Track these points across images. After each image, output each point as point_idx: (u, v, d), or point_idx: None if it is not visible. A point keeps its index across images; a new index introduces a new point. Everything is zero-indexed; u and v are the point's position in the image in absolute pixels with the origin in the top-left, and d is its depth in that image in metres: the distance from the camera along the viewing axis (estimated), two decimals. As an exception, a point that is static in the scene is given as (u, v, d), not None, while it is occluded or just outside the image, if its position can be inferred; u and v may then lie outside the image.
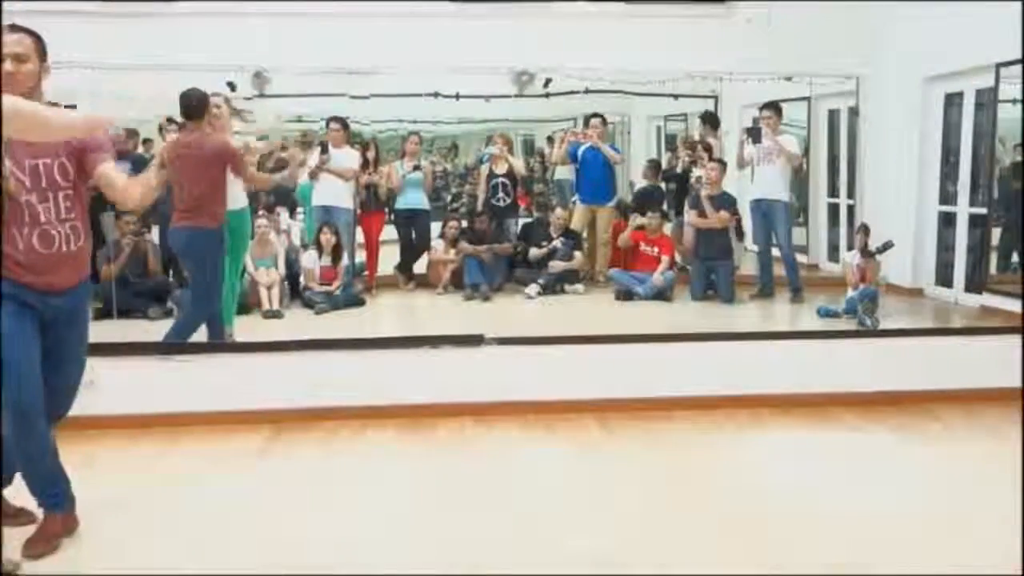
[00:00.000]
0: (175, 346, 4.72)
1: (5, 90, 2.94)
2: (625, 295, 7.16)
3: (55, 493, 3.20)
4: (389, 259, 7.81)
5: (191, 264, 5.11)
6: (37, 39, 3.05)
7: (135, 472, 3.19)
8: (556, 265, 7.55)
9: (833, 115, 8.42)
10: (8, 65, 2.93)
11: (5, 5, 4.81)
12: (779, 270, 7.14)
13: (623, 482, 3.95)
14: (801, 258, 7.56)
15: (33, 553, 3.10)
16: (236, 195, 5.23)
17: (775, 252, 7.14)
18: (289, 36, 6.55)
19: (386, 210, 7.92)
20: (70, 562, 3.11)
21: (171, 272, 6.77)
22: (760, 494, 3.78)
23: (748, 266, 7.65)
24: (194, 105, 4.96)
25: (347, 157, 7.22)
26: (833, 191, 8.48)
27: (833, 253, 8.44)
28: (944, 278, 7.24)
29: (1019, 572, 3.04)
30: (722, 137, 8.02)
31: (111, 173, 3.09)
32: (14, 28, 3.00)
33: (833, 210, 8.50)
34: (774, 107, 7.09)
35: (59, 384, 3.13)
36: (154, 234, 6.76)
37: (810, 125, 8.44)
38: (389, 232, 7.90)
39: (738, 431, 4.69)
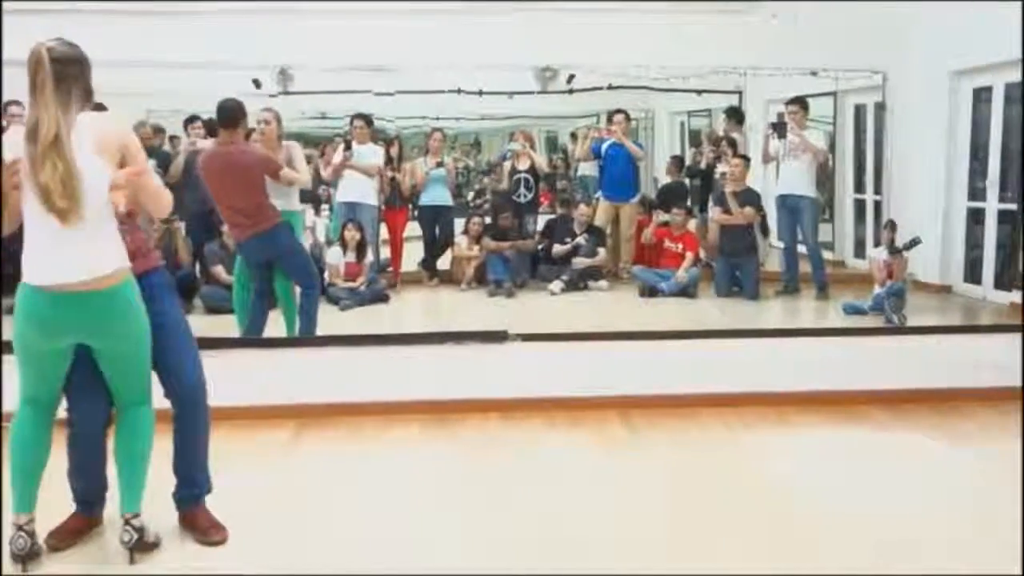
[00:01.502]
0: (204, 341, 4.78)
1: None
2: (649, 291, 7.14)
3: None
4: (413, 255, 7.83)
5: (284, 261, 5.23)
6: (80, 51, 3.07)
7: (160, 466, 3.22)
8: (580, 261, 7.54)
9: (859, 110, 8.34)
10: None
11: (6, 4, 4.88)
12: (805, 267, 7.09)
13: (647, 479, 3.94)
14: (827, 254, 7.51)
15: (220, 539, 3.22)
16: (291, 197, 5.32)
17: (801, 248, 7.09)
18: (314, 33, 6.58)
19: (410, 206, 7.95)
20: (97, 555, 3.15)
21: (198, 267, 6.83)
22: (786, 493, 3.75)
23: (773, 262, 7.61)
24: (229, 115, 4.97)
25: (371, 154, 7.25)
26: (859, 187, 8.41)
27: (859, 249, 8.37)
28: (973, 275, 7.15)
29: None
30: (747, 133, 7.97)
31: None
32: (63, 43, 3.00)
33: (859, 206, 8.42)
34: (800, 102, 7.04)
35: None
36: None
37: (836, 120, 8.37)
38: (413, 228, 7.92)
39: (763, 429, 4.66)
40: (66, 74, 2.76)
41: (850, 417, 4.78)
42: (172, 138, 7.64)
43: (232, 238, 5.23)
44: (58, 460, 3.14)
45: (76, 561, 3.11)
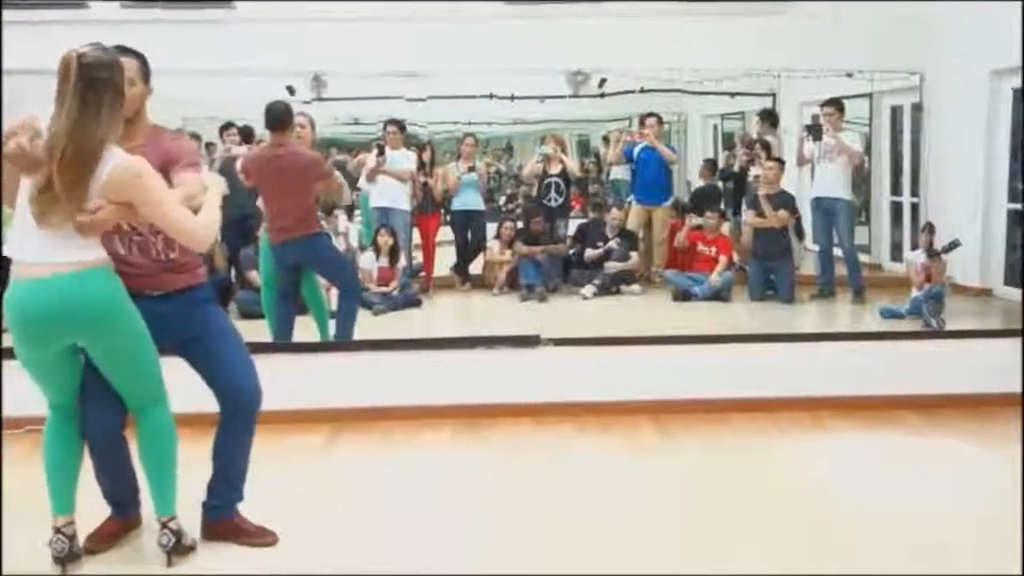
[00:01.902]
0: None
1: None
2: (682, 296, 7.10)
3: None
4: (445, 260, 7.86)
5: (324, 267, 5.33)
6: (142, 61, 3.10)
7: (195, 470, 3.26)
8: (612, 266, 7.52)
9: (896, 111, 8.22)
10: None
11: (43, 15, 4.97)
12: (840, 270, 7.01)
13: (680, 484, 3.92)
14: (863, 257, 7.41)
15: (269, 540, 3.27)
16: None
17: (836, 252, 7.01)
18: (346, 40, 6.62)
19: (442, 211, 7.97)
20: (134, 558, 3.19)
21: (233, 273, 6.90)
22: (821, 498, 3.72)
23: (808, 266, 7.53)
24: (279, 117, 5.04)
25: (404, 159, 7.30)
26: (896, 189, 8.28)
27: (896, 252, 8.24)
28: (1014, 278, 7.02)
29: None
30: (781, 135, 7.90)
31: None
32: (122, 51, 3.02)
33: (896, 208, 8.30)
34: (836, 104, 6.97)
35: None
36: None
37: (872, 122, 8.26)
38: (445, 233, 7.94)
39: (798, 434, 4.62)
40: (96, 79, 2.75)
41: (886, 422, 4.72)
42: (208, 145, 7.73)
43: (269, 239, 5.26)
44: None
45: (114, 563, 3.16)
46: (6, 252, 2.87)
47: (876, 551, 3.19)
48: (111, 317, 2.89)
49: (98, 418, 3.11)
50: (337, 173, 5.59)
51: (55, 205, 2.73)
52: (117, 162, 2.78)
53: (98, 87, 2.75)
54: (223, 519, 3.30)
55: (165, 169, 3.04)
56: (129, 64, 3.01)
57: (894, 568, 3.05)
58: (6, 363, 4.42)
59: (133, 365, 3.01)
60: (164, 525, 3.07)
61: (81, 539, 3.14)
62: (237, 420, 3.26)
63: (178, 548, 3.09)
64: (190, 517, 3.23)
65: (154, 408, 3.10)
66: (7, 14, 6.27)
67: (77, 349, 2.97)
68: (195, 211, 2.95)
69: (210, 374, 3.21)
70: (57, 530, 3.01)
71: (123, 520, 3.31)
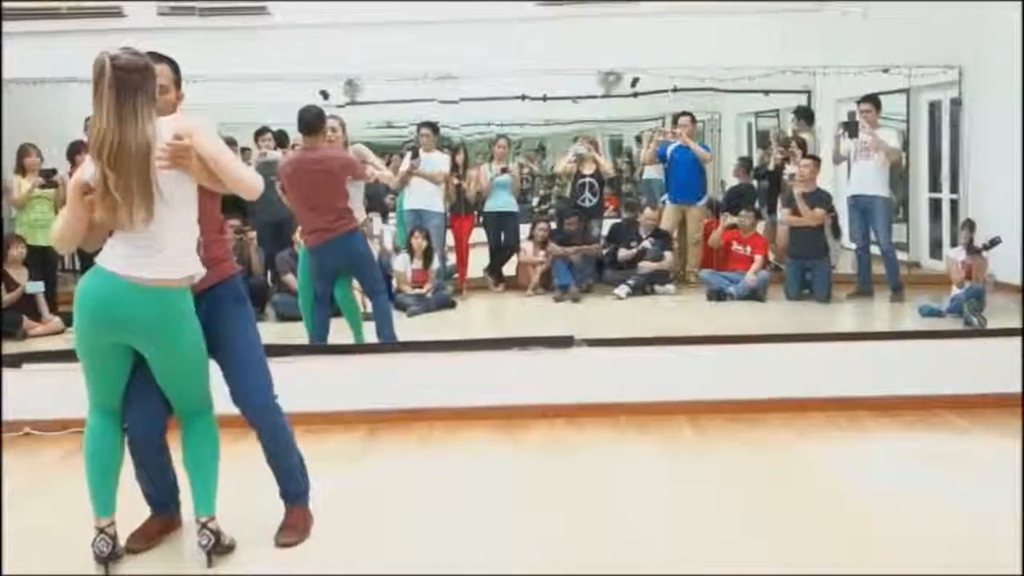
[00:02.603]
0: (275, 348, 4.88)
1: None
2: (717, 295, 7.06)
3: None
4: (479, 261, 7.87)
5: (356, 267, 5.35)
6: (174, 68, 3.15)
7: (236, 472, 3.29)
8: (646, 266, 7.49)
9: (934, 107, 8.11)
10: None
11: (81, 24, 5.04)
12: (878, 268, 6.93)
13: (717, 485, 3.89)
14: (901, 255, 7.32)
15: (286, 542, 3.28)
16: (357, 209, 5.44)
17: (874, 250, 6.93)
18: (379, 44, 6.66)
19: (475, 213, 7.99)
20: (174, 558, 3.23)
21: (269, 276, 6.98)
22: (859, 499, 3.67)
23: (845, 265, 7.45)
24: (311, 121, 5.11)
25: (437, 161, 7.33)
26: (935, 186, 8.17)
27: (935, 250, 8.13)
28: (1056, 275, 6.89)
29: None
30: (816, 133, 7.82)
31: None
32: (156, 58, 3.06)
33: (935, 205, 8.18)
34: (872, 100, 6.89)
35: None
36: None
37: (909, 118, 8.15)
38: (478, 235, 7.96)
39: (836, 434, 4.56)
40: (128, 82, 2.78)
41: (927, 422, 4.65)
42: (244, 150, 7.82)
43: (306, 244, 5.31)
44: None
45: (154, 563, 3.20)
46: (101, 263, 2.97)
47: (917, 553, 3.14)
48: (175, 333, 2.99)
49: (142, 420, 3.16)
50: (371, 169, 5.61)
51: (117, 207, 2.81)
52: (173, 123, 2.89)
53: (130, 88, 2.80)
54: (292, 507, 3.37)
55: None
56: (161, 70, 3.05)
57: (935, 571, 3.00)
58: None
59: (188, 376, 3.09)
60: (204, 525, 3.11)
61: (122, 539, 3.18)
62: (263, 427, 3.30)
63: (217, 548, 3.13)
64: (228, 517, 3.26)
65: (201, 414, 3.17)
66: (46, 24, 6.41)
67: (132, 351, 3.03)
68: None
69: (228, 379, 3.24)
70: (100, 531, 3.06)
71: (163, 520, 3.36)
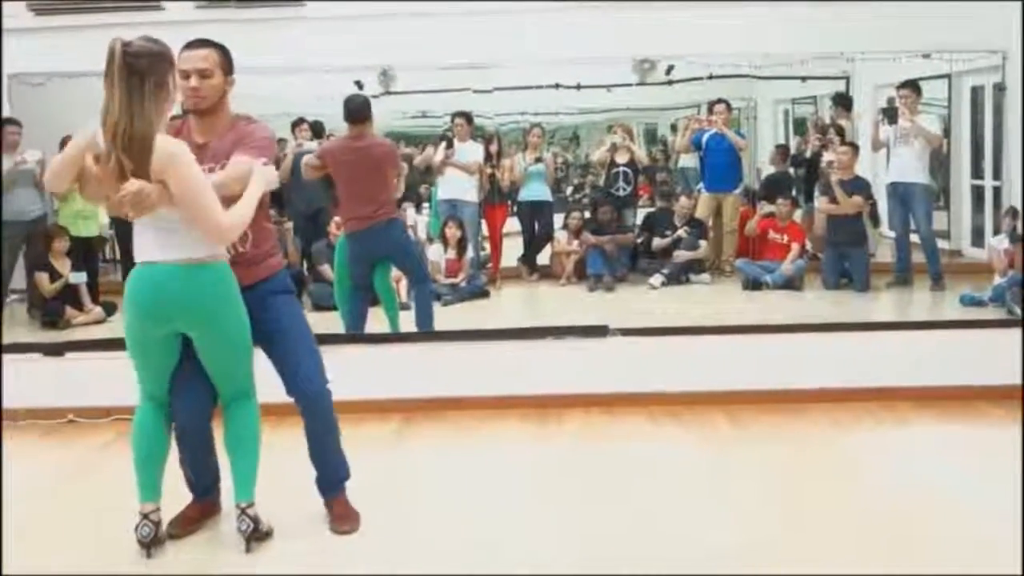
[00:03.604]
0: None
1: (189, 105, 3.08)
2: (753, 284, 7.00)
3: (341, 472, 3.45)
4: (513, 251, 7.88)
5: (397, 255, 5.42)
6: (222, 52, 3.12)
7: (274, 459, 3.33)
8: (681, 255, 7.44)
9: (976, 92, 7.95)
10: (193, 81, 3.03)
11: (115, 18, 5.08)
12: (918, 257, 6.83)
13: (753, 477, 3.86)
14: (942, 243, 7.20)
15: (347, 529, 3.32)
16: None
17: (913, 238, 6.83)
18: (413, 34, 6.68)
19: (509, 202, 7.99)
20: (214, 542, 3.28)
21: (305, 265, 7.04)
22: (899, 492, 3.63)
23: (884, 253, 7.35)
24: (358, 109, 5.17)
25: (472, 151, 7.34)
26: (977, 172, 8.02)
27: (977, 238, 7.98)
28: (1102, 263, 6.74)
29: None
30: (855, 119, 7.71)
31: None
32: (201, 43, 3.08)
33: (977, 192, 8.03)
34: (912, 86, 6.78)
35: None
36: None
37: (951, 103, 8.00)
38: (512, 224, 7.96)
39: (875, 426, 4.52)
40: (137, 67, 2.79)
41: (968, 413, 4.58)
42: (280, 140, 7.88)
43: (347, 230, 5.35)
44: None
45: (195, 548, 3.25)
46: (137, 258, 3.02)
47: (957, 548, 3.10)
48: (221, 310, 3.03)
49: (189, 409, 3.21)
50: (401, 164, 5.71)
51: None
52: (159, 144, 2.84)
53: (139, 74, 2.81)
54: (325, 498, 3.42)
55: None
56: (206, 55, 3.06)
57: (975, 566, 2.96)
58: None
59: (233, 357, 3.14)
60: (243, 511, 3.15)
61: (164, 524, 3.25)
62: (313, 416, 3.33)
63: (256, 533, 3.17)
64: (267, 504, 3.30)
65: (244, 399, 3.22)
66: (85, 18, 6.50)
67: (179, 337, 3.08)
68: (235, 197, 2.97)
69: (280, 370, 3.28)
70: (144, 516, 3.12)
71: (204, 506, 3.41)
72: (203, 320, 3.02)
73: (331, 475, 3.43)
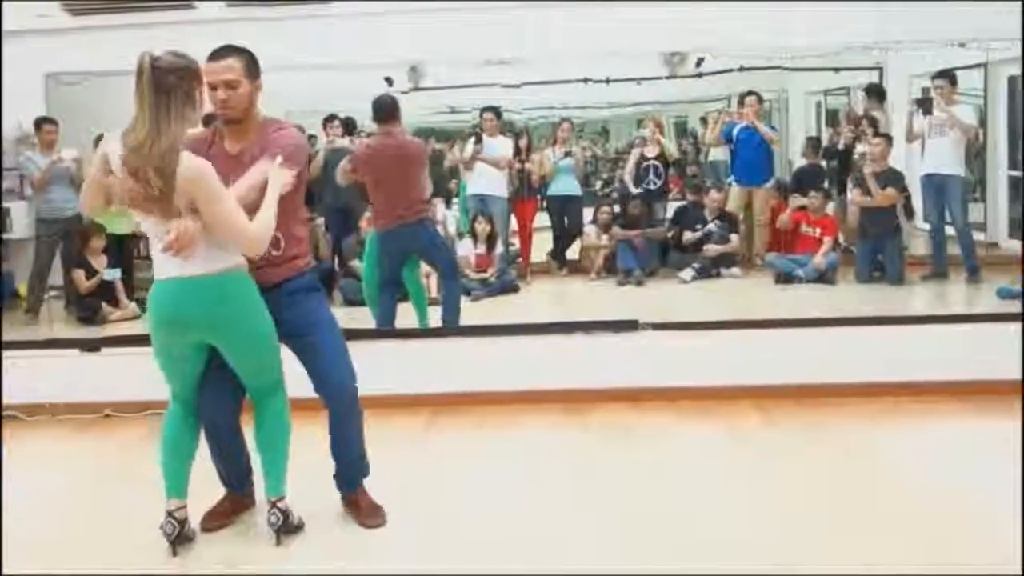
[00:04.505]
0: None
1: (219, 116, 3.11)
2: (785, 278, 6.94)
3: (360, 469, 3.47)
4: (542, 246, 7.87)
5: (432, 250, 5.49)
6: (247, 59, 3.11)
7: (304, 454, 3.36)
8: (711, 249, 7.40)
9: (1013, 81, 7.81)
10: (221, 93, 3.05)
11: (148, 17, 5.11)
12: (953, 249, 6.73)
13: (784, 472, 3.84)
14: (978, 236, 7.09)
15: (377, 523, 3.36)
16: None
17: (949, 230, 6.73)
18: (441, 29, 6.68)
19: (539, 197, 7.99)
20: (247, 535, 3.32)
21: (336, 261, 7.08)
22: (931, 488, 3.58)
23: (918, 246, 7.25)
24: (387, 108, 5.21)
25: (500, 146, 7.34)
26: (1014, 163, 7.89)
27: (1014, 230, 7.84)
28: None
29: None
30: (888, 110, 7.61)
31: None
32: (225, 52, 3.08)
33: (1014, 184, 7.90)
34: (948, 75, 6.69)
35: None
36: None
37: (987, 93, 7.87)
38: (542, 219, 7.96)
39: (908, 420, 4.47)
40: (164, 83, 2.82)
41: (1004, 409, 4.50)
42: (310, 137, 7.93)
43: (378, 228, 5.38)
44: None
45: (226, 541, 3.29)
46: (156, 276, 3.07)
47: (992, 547, 3.05)
48: (242, 318, 3.07)
49: (219, 407, 3.26)
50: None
51: (158, 202, 2.87)
52: (183, 163, 2.86)
53: (167, 91, 2.84)
54: (344, 495, 3.45)
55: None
56: (229, 65, 3.06)
57: (1012, 566, 2.91)
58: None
59: (259, 359, 3.18)
60: (273, 505, 3.19)
61: (196, 518, 3.29)
62: (339, 412, 3.36)
63: (286, 527, 3.21)
64: (297, 497, 3.34)
65: (273, 396, 3.26)
66: (119, 18, 6.58)
67: (204, 346, 3.13)
68: (256, 205, 2.99)
69: (307, 367, 3.31)
70: (169, 514, 3.16)
71: (237, 500, 3.46)
72: (225, 330, 3.07)
73: (353, 472, 3.45)
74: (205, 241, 2.94)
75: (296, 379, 3.32)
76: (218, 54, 3.09)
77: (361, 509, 3.41)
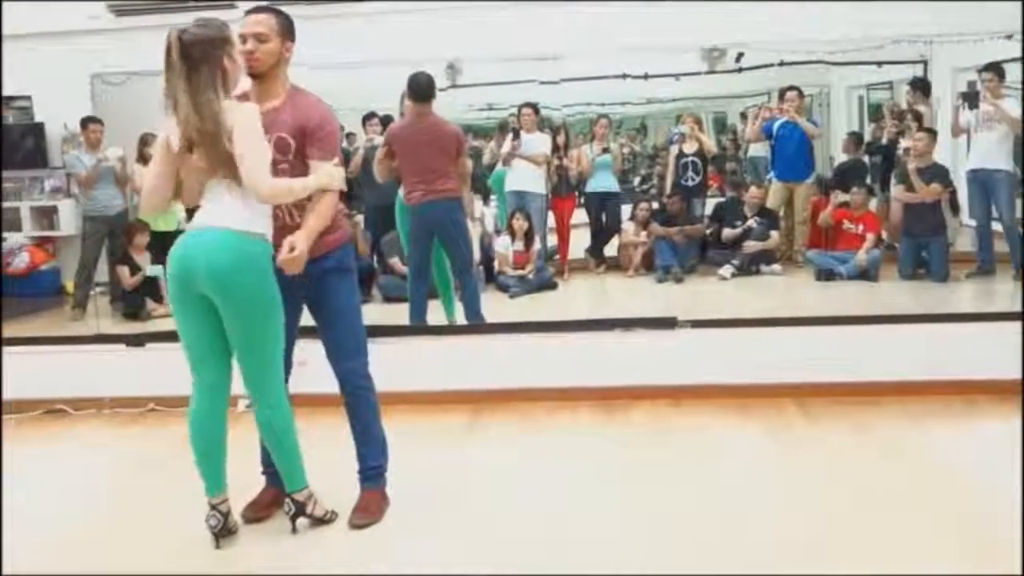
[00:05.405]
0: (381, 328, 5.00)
1: (246, 69, 3.12)
2: (826, 275, 6.86)
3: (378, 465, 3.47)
4: (580, 242, 7.86)
5: (453, 238, 5.39)
6: (282, 18, 3.15)
7: (340, 450, 3.40)
8: (751, 245, 7.34)
9: (1062, 74, 7.65)
10: (249, 44, 3.09)
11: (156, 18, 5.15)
12: (1000, 246, 6.61)
13: (825, 470, 3.80)
14: (1026, 232, 6.96)
15: (360, 523, 3.34)
16: None
17: (995, 226, 6.61)
18: (480, 26, 6.70)
19: (576, 193, 7.97)
20: (286, 526, 3.37)
21: (375, 258, 7.13)
22: (976, 488, 3.53)
23: (964, 242, 7.13)
24: (422, 87, 5.20)
25: (538, 142, 7.34)
26: (1063, 158, 7.72)
27: (1064, 227, 7.70)
28: None
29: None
30: (933, 104, 7.49)
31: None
32: (262, 8, 3.14)
33: (1063, 179, 7.74)
34: (995, 68, 6.55)
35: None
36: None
37: (1034, 86, 7.72)
38: (580, 215, 7.94)
39: (951, 419, 4.39)
40: (191, 55, 2.89)
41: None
42: (349, 135, 7.98)
43: (407, 202, 5.39)
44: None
45: (267, 534, 3.33)
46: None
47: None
48: (244, 284, 2.99)
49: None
50: (467, 161, 5.71)
51: (202, 172, 2.98)
52: (230, 111, 2.95)
53: (195, 64, 2.90)
54: (367, 488, 3.44)
55: (302, 132, 3.11)
56: (261, 19, 3.10)
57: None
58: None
59: (250, 329, 3.06)
60: (289, 496, 3.24)
61: (238, 509, 3.34)
62: (350, 403, 3.39)
63: (299, 515, 3.24)
64: (330, 492, 3.36)
65: (271, 389, 3.14)
66: (163, 18, 6.67)
67: (212, 307, 3.04)
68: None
69: (325, 350, 3.34)
70: (213, 507, 3.19)
71: (276, 491, 3.45)
72: (223, 286, 2.98)
73: (367, 464, 3.44)
74: (232, 194, 2.98)
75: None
76: (256, 9, 3.15)
77: (356, 504, 3.39)
